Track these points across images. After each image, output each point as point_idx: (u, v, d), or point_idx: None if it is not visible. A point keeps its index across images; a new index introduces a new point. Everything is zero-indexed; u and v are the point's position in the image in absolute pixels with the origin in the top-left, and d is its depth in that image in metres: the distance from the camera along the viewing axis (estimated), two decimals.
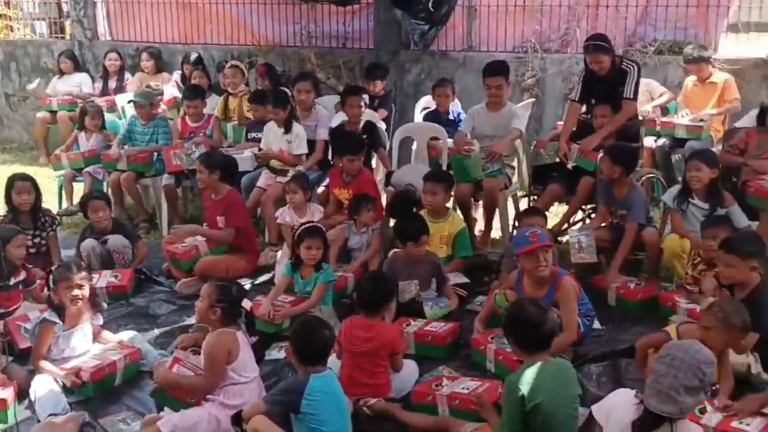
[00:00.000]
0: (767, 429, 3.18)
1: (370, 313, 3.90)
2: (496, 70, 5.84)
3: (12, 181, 5.47)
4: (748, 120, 5.69)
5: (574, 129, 5.78)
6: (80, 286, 4.14)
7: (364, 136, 6.08)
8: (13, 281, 4.76)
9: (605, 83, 5.53)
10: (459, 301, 4.86)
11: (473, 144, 5.64)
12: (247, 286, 5.32)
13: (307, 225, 4.84)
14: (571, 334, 4.02)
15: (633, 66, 5.51)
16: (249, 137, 6.86)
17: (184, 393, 3.68)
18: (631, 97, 5.45)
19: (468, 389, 3.68)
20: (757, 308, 3.81)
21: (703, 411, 3.14)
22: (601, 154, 5.27)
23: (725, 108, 6.62)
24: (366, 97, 6.54)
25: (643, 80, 6.12)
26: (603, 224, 5.20)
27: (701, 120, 6.47)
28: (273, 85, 7.51)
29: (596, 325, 4.45)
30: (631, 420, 2.90)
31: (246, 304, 3.69)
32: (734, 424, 3.22)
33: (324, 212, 5.72)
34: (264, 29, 9.70)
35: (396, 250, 4.94)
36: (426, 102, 7.44)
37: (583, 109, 5.89)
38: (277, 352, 4.39)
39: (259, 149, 6.36)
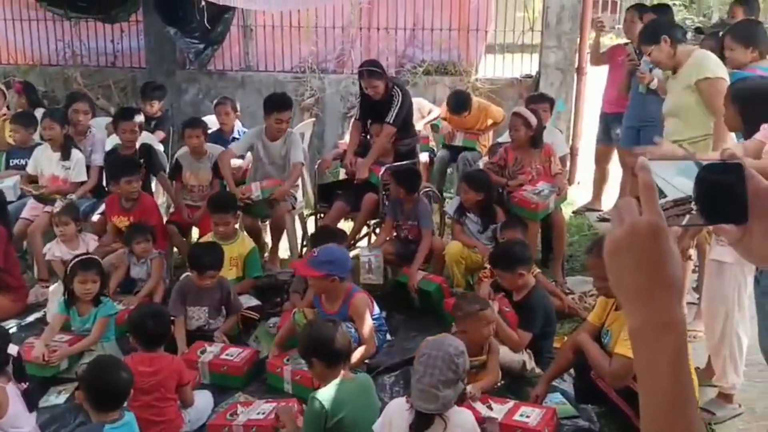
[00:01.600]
0: (545, 419, 3.48)
1: (151, 349, 3.76)
2: (286, 103, 5.80)
3: None
4: (507, 137, 6.16)
5: (358, 147, 5.95)
6: None
7: (141, 160, 5.81)
8: None
9: (379, 105, 5.76)
10: (250, 324, 4.79)
11: (251, 191, 5.57)
12: (14, 330, 4.86)
13: (80, 257, 4.51)
14: (370, 347, 4.12)
15: (398, 93, 5.77)
16: (11, 164, 6.26)
17: None
18: (391, 122, 5.71)
19: (264, 413, 3.63)
20: (530, 310, 4.17)
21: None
22: (382, 170, 5.54)
23: (497, 127, 7.04)
24: (141, 118, 6.25)
25: (414, 99, 6.44)
26: (388, 238, 5.42)
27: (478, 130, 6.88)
28: (31, 105, 6.95)
29: (388, 337, 4.60)
30: (408, 425, 2.99)
31: (12, 349, 3.34)
32: (516, 417, 3.50)
33: (100, 241, 5.39)
34: (23, 46, 8.98)
35: (188, 273, 4.76)
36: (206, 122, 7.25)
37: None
38: (55, 398, 4.03)
39: (28, 175, 5.84)
